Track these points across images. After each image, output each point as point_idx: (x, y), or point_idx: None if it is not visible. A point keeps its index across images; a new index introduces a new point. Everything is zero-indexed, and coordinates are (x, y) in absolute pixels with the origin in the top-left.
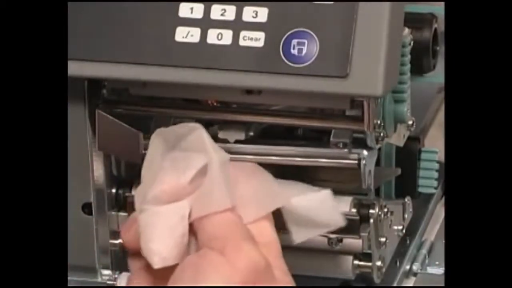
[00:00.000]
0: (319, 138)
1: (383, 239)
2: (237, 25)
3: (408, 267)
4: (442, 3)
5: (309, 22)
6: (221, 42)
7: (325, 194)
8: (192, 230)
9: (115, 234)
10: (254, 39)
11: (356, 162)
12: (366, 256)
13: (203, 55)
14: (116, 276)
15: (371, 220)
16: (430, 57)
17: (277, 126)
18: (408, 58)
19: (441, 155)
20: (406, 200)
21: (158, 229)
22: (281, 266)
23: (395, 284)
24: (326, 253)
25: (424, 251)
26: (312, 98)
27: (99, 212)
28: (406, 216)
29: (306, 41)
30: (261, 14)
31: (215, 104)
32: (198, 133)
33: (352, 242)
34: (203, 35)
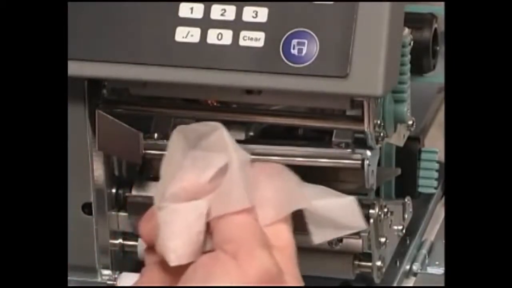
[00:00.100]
0: (319, 138)
1: (383, 239)
2: (237, 25)
3: (408, 267)
4: (442, 3)
5: (309, 22)
6: (221, 42)
7: (350, 199)
8: (209, 228)
9: (115, 234)
10: (254, 39)
11: (359, 162)
12: (366, 256)
13: (203, 55)
14: (116, 276)
15: (371, 220)
16: (430, 57)
17: (277, 126)
18: (408, 58)
19: (441, 155)
20: (406, 200)
21: (176, 227)
22: (294, 272)
23: (395, 284)
24: (326, 253)
25: (424, 251)
26: (312, 98)
27: (99, 212)
28: (406, 216)
29: (306, 41)
30: (261, 14)
31: (215, 104)
32: (219, 133)
33: (352, 242)
34: (203, 35)
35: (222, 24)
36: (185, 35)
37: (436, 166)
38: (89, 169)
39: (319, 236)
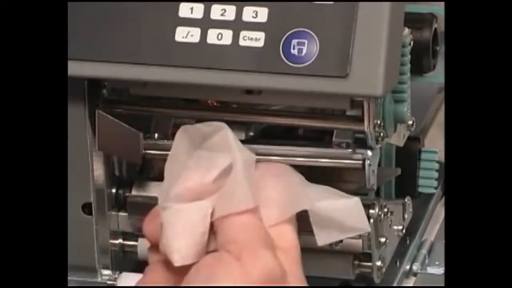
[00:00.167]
0: (319, 138)
1: (383, 239)
2: (237, 25)
3: (408, 267)
4: (442, 3)
5: (309, 22)
6: (221, 42)
7: (355, 200)
8: (213, 229)
9: (115, 234)
10: (254, 39)
11: (360, 162)
12: (366, 256)
13: (203, 55)
14: (116, 276)
15: (371, 220)
16: (430, 57)
17: (277, 126)
18: (408, 58)
19: (441, 155)
20: (406, 200)
21: (180, 227)
22: (298, 274)
23: (395, 284)
24: (326, 253)
25: (424, 251)
26: (312, 98)
27: (99, 212)
28: (406, 216)
29: (306, 41)
30: (261, 14)
31: (215, 104)
32: (223, 133)
33: (352, 242)
34: (203, 35)
35: (222, 24)
36: (185, 35)
37: (436, 166)
38: (89, 169)
39: (323, 238)
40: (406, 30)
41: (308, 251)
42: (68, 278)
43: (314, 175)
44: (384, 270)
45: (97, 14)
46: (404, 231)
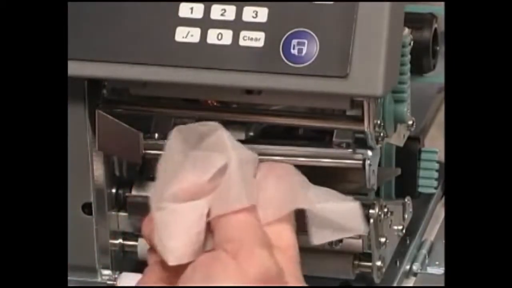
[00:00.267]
0: (318, 138)
1: (383, 239)
2: (237, 25)
3: (408, 267)
4: (442, 3)
5: (309, 22)
6: (221, 42)
7: (354, 204)
8: (209, 228)
9: (115, 234)
10: (254, 39)
11: (360, 162)
12: (366, 256)
13: (203, 55)
14: (116, 276)
15: (371, 220)
16: (430, 57)
17: (277, 126)
18: (408, 58)
19: (441, 155)
20: (406, 200)
21: (175, 227)
22: (295, 273)
23: (395, 284)
24: (326, 253)
25: (424, 251)
26: (312, 98)
27: (99, 212)
28: (406, 216)
29: (306, 41)
30: (261, 14)
31: (215, 104)
32: (219, 134)
33: (352, 242)
34: (203, 35)
35: (222, 24)
36: (185, 35)
37: (436, 166)
38: (89, 169)
39: (318, 237)
40: (406, 30)
41: (308, 251)
42: (68, 278)
43: (315, 175)
44: (384, 270)
45: (97, 14)
46: (404, 231)
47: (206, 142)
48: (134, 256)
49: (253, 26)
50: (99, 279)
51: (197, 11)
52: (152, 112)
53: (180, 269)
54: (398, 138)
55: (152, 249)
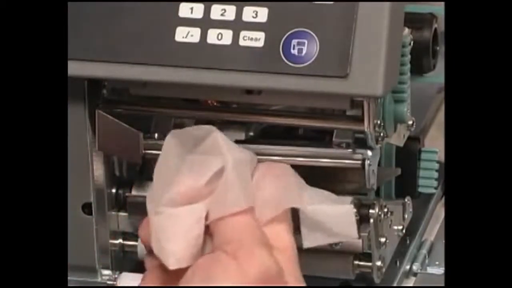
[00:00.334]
0: (318, 138)
1: (383, 239)
2: (237, 25)
3: (408, 267)
4: (442, 3)
5: (309, 22)
6: (221, 42)
7: (348, 208)
8: (208, 231)
9: (115, 234)
10: (254, 39)
11: (360, 162)
12: (366, 256)
13: (203, 55)
14: (116, 276)
15: (371, 220)
16: (430, 57)
17: (277, 126)
18: (408, 58)
19: (441, 155)
20: (406, 200)
21: (174, 231)
22: (295, 272)
23: (395, 284)
24: (326, 253)
25: (424, 251)
26: (312, 98)
27: (99, 212)
28: (406, 216)
29: (306, 41)
30: (261, 14)
31: (215, 104)
32: (213, 137)
33: (352, 242)
34: (203, 35)
35: (222, 24)
36: (185, 35)
37: (436, 166)
38: (89, 169)
39: (310, 240)
40: (406, 30)
41: (308, 251)
42: (68, 278)
43: (315, 175)
44: (384, 270)
45: (97, 14)
46: (404, 231)
47: (202, 146)
48: (134, 256)
49: (253, 26)
50: (99, 279)
51: (197, 11)
52: (152, 112)
53: (179, 273)
54: (398, 138)
55: (151, 253)
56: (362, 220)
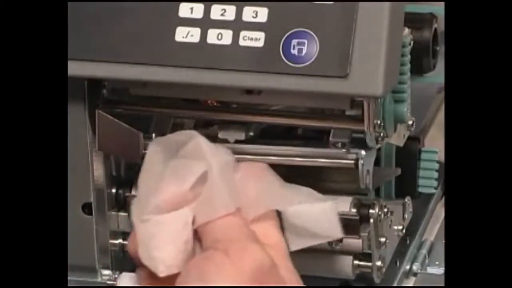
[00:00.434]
0: (318, 138)
1: (383, 239)
2: (237, 25)
3: (408, 267)
4: (442, 3)
5: (309, 22)
6: (221, 42)
7: (328, 205)
8: (196, 236)
9: (115, 234)
10: (254, 39)
11: (353, 162)
12: (366, 256)
13: (203, 55)
14: (116, 276)
15: (371, 220)
16: (430, 57)
17: (277, 126)
18: (408, 58)
19: (441, 155)
20: (406, 200)
21: (161, 237)
22: (288, 267)
23: (395, 284)
24: (326, 253)
25: (424, 251)
26: (312, 98)
27: (99, 212)
28: (406, 216)
29: (306, 41)
30: (261, 14)
31: (215, 104)
32: (196, 141)
33: (352, 242)
34: (203, 35)
35: (222, 24)
36: (185, 35)
37: (436, 166)
38: (89, 169)
39: (295, 244)
40: (406, 30)
41: (308, 251)
42: (68, 278)
43: (312, 174)
44: (384, 270)
45: (97, 14)
46: (404, 231)
47: (184, 150)
48: None
49: (253, 26)
50: (99, 279)
51: (197, 11)
52: (152, 112)
53: (172, 281)
54: (398, 138)
55: (141, 265)
56: (362, 220)
